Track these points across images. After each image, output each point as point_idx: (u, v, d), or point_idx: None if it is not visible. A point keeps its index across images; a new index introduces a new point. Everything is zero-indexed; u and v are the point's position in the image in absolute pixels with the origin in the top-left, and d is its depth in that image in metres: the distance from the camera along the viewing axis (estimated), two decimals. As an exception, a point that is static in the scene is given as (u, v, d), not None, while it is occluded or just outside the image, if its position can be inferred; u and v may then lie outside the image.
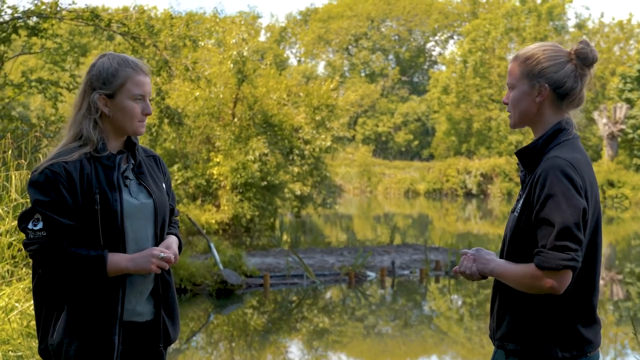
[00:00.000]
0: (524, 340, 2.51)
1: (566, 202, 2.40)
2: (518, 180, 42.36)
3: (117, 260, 2.68)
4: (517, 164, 2.69)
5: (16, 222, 6.09)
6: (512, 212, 2.62)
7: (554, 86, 2.57)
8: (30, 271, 6.17)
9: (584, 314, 2.52)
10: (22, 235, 6.11)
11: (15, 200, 6.30)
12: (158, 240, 2.84)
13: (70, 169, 2.68)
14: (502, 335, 2.58)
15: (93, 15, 12.31)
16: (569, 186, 2.41)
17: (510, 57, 49.96)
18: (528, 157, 2.60)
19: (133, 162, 2.86)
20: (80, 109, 2.78)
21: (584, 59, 2.58)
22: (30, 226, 2.66)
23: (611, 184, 36.39)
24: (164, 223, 2.88)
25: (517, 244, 2.53)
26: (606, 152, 39.97)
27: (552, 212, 2.41)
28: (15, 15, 12.05)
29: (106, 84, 2.76)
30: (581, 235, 2.42)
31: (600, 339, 2.59)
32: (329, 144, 21.22)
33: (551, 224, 2.41)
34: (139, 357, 2.85)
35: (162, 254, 2.72)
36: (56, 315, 2.71)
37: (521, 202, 2.56)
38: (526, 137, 46.86)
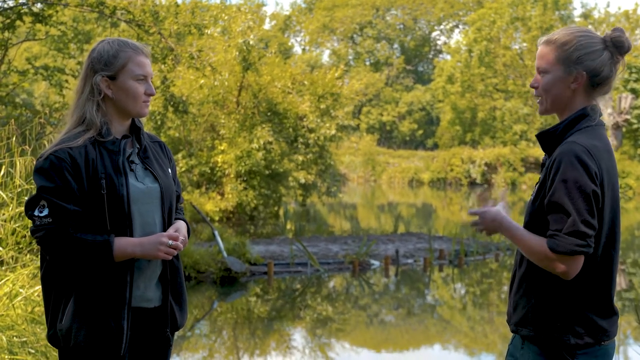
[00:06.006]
0: (537, 326, 2.51)
1: (577, 188, 2.38)
2: (522, 170, 42.40)
3: (124, 245, 2.67)
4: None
5: (20, 208, 6.12)
6: (531, 196, 2.61)
7: (591, 74, 2.52)
8: (35, 257, 6.19)
9: (600, 303, 2.50)
10: (27, 222, 6.12)
11: (20, 186, 6.31)
12: (165, 224, 2.84)
13: (75, 155, 2.67)
14: (517, 320, 2.58)
15: (98, 2, 12.27)
16: (582, 172, 2.39)
17: (516, 46, 50.00)
18: (548, 141, 2.57)
19: (138, 146, 2.86)
20: (83, 93, 2.79)
21: (620, 47, 2.54)
22: (36, 213, 2.65)
23: (616, 174, 36.27)
24: (171, 208, 2.88)
25: (534, 227, 2.52)
26: (611, 142, 39.79)
27: (563, 198, 2.39)
28: (20, 1, 12.03)
29: (107, 66, 2.77)
30: (594, 221, 2.40)
31: (617, 329, 2.56)
32: (333, 132, 21.16)
33: (564, 210, 2.39)
34: (147, 343, 2.86)
35: (171, 242, 2.72)
36: (65, 301, 2.71)
37: (537, 185, 2.55)
38: (531, 127, 46.77)
